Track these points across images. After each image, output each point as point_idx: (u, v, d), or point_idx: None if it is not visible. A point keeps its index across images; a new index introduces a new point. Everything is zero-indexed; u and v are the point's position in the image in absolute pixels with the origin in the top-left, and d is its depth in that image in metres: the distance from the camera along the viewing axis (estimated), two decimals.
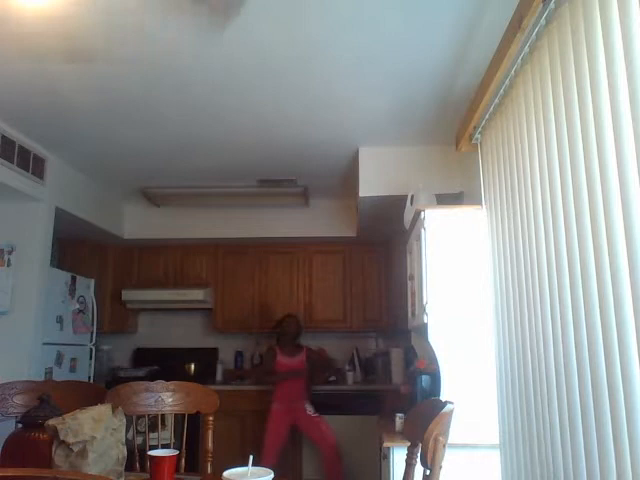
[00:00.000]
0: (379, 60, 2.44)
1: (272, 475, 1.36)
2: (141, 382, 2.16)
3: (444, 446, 1.33)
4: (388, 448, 2.42)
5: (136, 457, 1.99)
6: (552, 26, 1.63)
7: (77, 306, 4.00)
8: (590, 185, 1.38)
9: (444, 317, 2.47)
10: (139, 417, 3.43)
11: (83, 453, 1.36)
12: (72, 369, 3.85)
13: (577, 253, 1.47)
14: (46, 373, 3.53)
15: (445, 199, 3.26)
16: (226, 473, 1.34)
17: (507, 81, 2.06)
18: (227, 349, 5.09)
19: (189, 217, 4.75)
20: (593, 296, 1.37)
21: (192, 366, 4.89)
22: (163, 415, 2.39)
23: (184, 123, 3.13)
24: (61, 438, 1.35)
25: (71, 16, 2.08)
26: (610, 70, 1.27)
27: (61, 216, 3.77)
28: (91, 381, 4.03)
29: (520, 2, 1.78)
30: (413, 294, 2.89)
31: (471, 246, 2.52)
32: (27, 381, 2.19)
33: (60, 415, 1.43)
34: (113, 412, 1.50)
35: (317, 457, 4.09)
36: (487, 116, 2.37)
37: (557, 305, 1.62)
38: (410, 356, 3.67)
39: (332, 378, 4.54)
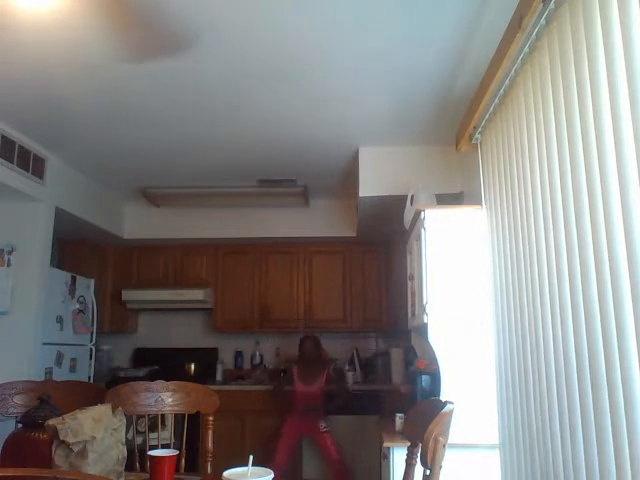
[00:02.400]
0: (379, 60, 2.44)
1: (272, 475, 1.36)
2: (141, 382, 2.16)
3: (444, 446, 1.33)
4: (388, 448, 2.42)
5: (136, 457, 1.99)
6: (552, 26, 1.63)
7: (77, 306, 4.00)
8: (590, 185, 1.38)
9: (444, 317, 2.47)
10: (139, 417, 3.43)
11: (83, 453, 1.36)
12: (72, 369, 3.85)
13: (577, 253, 1.47)
14: (46, 373, 3.53)
15: (445, 199, 3.26)
16: (226, 473, 1.34)
17: (507, 81, 2.06)
18: (227, 349, 5.09)
19: (189, 217, 4.75)
20: (593, 295, 1.37)
21: (192, 366, 4.89)
22: (163, 415, 2.40)
23: (184, 123, 3.13)
24: (61, 438, 1.35)
25: (72, 20, 2.08)
26: (610, 70, 1.27)
27: (61, 216, 3.77)
28: (91, 381, 4.03)
29: (520, 2, 1.78)
30: (413, 294, 2.89)
31: (471, 246, 2.52)
32: (27, 381, 2.18)
33: (60, 415, 1.42)
34: (113, 412, 1.50)
35: (317, 458, 4.09)
36: (487, 116, 2.37)
37: (557, 304, 1.62)
38: (410, 356, 3.67)
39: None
